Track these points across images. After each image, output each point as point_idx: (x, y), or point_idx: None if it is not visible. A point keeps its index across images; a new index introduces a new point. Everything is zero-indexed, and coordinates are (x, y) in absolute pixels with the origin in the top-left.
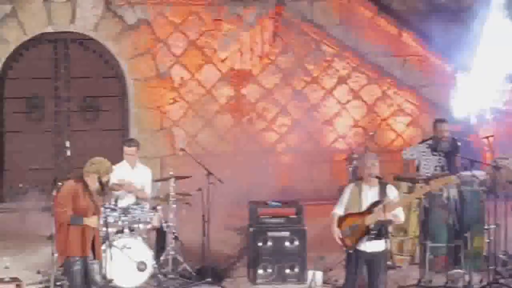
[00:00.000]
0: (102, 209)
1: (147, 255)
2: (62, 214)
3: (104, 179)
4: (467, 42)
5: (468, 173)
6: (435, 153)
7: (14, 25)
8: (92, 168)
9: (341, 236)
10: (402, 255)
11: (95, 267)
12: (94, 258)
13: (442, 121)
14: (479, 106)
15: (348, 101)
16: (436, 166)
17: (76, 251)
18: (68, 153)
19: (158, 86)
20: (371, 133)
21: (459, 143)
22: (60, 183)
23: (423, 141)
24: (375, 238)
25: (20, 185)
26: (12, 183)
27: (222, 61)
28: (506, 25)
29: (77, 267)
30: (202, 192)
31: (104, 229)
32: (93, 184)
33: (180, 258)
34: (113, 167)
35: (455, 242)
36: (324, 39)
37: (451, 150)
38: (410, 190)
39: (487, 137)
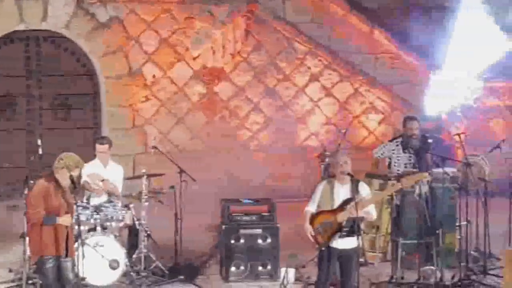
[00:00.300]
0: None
1: (120, 253)
2: (35, 214)
3: (74, 174)
4: (439, 40)
5: (439, 170)
6: (405, 150)
7: None
8: (61, 164)
9: (313, 234)
10: (374, 252)
11: (68, 265)
12: (67, 256)
13: (412, 118)
14: (451, 103)
15: (320, 99)
16: (406, 164)
17: (50, 250)
18: (40, 151)
19: (130, 84)
20: (343, 131)
21: (430, 141)
22: (32, 181)
23: (393, 139)
24: (347, 235)
25: None
26: None
27: (194, 59)
28: (478, 23)
29: (50, 265)
30: (174, 190)
31: (77, 227)
32: (64, 180)
33: (153, 256)
34: (85, 164)
35: (426, 239)
36: (296, 37)
37: (421, 148)
38: (382, 187)
39: (458, 135)
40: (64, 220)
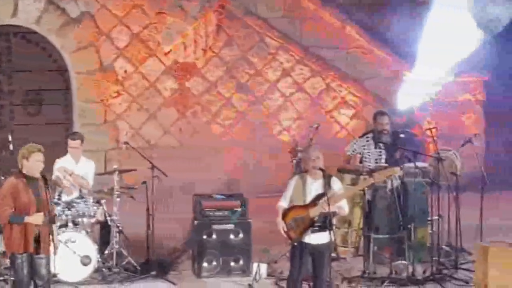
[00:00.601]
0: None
1: (91, 249)
2: (2, 213)
3: (32, 159)
4: (411, 34)
5: (411, 165)
6: (376, 146)
7: None
8: (19, 157)
9: (286, 229)
10: (346, 247)
11: (42, 261)
12: (38, 253)
13: (382, 113)
14: (423, 98)
15: (292, 94)
16: (376, 159)
17: (18, 248)
18: (11, 147)
19: (101, 79)
20: (315, 126)
21: (401, 135)
22: (3, 178)
23: (363, 135)
24: (320, 230)
25: None
26: None
27: (166, 54)
28: (452, 18)
29: (21, 262)
30: (146, 186)
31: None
32: (30, 171)
33: (125, 252)
34: (57, 160)
35: (398, 234)
36: (268, 32)
37: (392, 143)
38: (354, 182)
39: (430, 129)
40: (34, 219)
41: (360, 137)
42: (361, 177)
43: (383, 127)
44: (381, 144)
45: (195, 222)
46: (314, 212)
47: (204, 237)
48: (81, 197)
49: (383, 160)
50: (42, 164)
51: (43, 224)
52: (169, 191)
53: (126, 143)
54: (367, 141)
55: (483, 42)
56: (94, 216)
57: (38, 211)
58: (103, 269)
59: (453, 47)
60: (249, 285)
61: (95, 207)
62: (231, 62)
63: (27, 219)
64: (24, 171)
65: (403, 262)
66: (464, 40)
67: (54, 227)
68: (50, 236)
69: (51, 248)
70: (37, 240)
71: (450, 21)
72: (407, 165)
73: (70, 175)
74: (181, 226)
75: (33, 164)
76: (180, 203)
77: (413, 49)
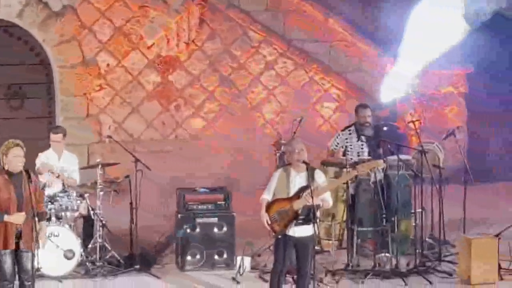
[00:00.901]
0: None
1: (75, 243)
2: None
3: (12, 154)
4: (394, 27)
5: (394, 157)
6: (358, 138)
7: None
8: (0, 154)
9: (269, 222)
10: (330, 240)
11: (27, 255)
12: (18, 249)
13: (364, 106)
14: (406, 91)
15: (275, 87)
16: (358, 152)
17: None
18: None
19: (84, 73)
20: (298, 119)
21: (385, 128)
22: None
23: (345, 128)
24: (303, 223)
25: None
26: None
27: (149, 47)
28: (433, 11)
29: (3, 256)
30: (129, 179)
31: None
32: (12, 167)
33: (108, 246)
34: (40, 154)
35: (382, 227)
36: (250, 25)
37: (374, 136)
38: (337, 175)
39: (413, 122)
40: (14, 219)
41: (342, 130)
42: (345, 170)
43: (366, 120)
44: (363, 137)
45: (179, 215)
46: (298, 205)
47: (188, 230)
48: (64, 191)
49: (365, 154)
50: (22, 159)
51: (25, 221)
52: (152, 184)
53: (109, 136)
54: (350, 134)
55: (467, 35)
56: (77, 210)
57: (20, 208)
58: (87, 263)
59: (437, 40)
60: (233, 278)
61: (78, 201)
62: (214, 56)
63: (8, 218)
64: (6, 167)
65: (387, 254)
66: (447, 33)
67: (42, 224)
68: (34, 232)
69: (37, 244)
70: (20, 237)
71: (434, 14)
72: (390, 158)
73: (58, 176)
74: (164, 220)
75: (12, 159)
76: (163, 197)
77: (396, 42)
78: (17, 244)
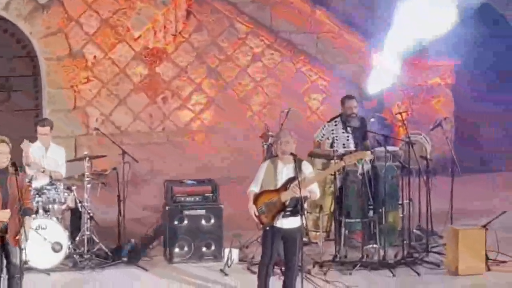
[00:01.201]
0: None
1: (62, 235)
2: None
3: None
4: (381, 18)
5: (381, 149)
6: (344, 130)
7: None
8: None
9: (257, 213)
10: (317, 231)
11: (14, 250)
12: (6, 243)
13: (350, 97)
14: (393, 82)
15: (262, 79)
16: (344, 144)
17: None
18: None
19: (71, 66)
20: (285, 110)
21: (372, 119)
22: None
23: (331, 120)
24: (291, 215)
25: None
26: None
27: (136, 39)
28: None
29: None
30: (117, 172)
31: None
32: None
33: (96, 238)
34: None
35: (369, 218)
36: (237, 16)
37: (360, 127)
38: (325, 167)
39: (400, 113)
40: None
41: (328, 121)
42: (332, 161)
43: (352, 111)
44: (349, 128)
45: (166, 208)
46: (285, 197)
47: (176, 223)
48: (51, 183)
49: (351, 145)
50: (7, 156)
51: (11, 217)
52: (140, 176)
53: (96, 129)
54: (335, 125)
55: (454, 26)
56: (64, 203)
57: (4, 204)
58: (74, 256)
59: (424, 31)
60: (221, 270)
61: (65, 194)
62: (201, 48)
63: None
64: None
65: (374, 246)
66: (434, 23)
67: (28, 219)
68: (22, 228)
69: (21, 240)
70: (6, 231)
71: (421, 5)
72: (377, 149)
73: (43, 171)
74: (152, 212)
75: (12, 163)
76: (151, 189)
77: (384, 32)
78: (3, 238)
